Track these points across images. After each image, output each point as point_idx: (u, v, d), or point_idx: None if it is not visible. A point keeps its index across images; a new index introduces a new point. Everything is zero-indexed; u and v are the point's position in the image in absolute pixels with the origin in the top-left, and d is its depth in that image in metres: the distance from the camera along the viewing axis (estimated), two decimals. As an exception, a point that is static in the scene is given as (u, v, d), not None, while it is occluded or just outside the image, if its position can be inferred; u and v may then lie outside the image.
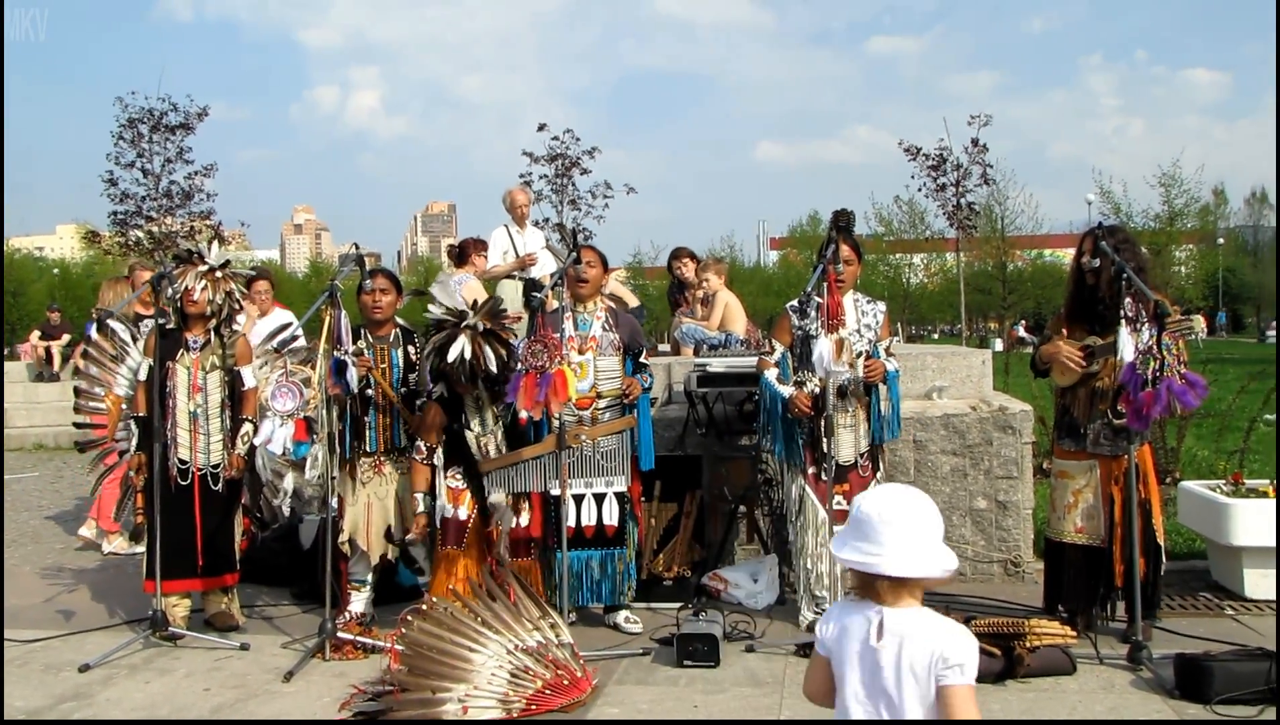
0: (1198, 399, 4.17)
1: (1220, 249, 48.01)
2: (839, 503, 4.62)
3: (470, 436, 4.70)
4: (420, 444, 4.72)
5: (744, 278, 41.64)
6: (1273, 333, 40.52)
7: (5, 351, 18.58)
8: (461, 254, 7.22)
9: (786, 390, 4.65)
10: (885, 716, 2.06)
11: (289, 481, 4.97)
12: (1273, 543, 4.85)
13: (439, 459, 4.72)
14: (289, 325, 5.80)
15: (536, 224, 9.78)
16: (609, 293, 5.74)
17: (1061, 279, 21.40)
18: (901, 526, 2.05)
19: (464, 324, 4.51)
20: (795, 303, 4.76)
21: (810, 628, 4.59)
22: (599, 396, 4.80)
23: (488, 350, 4.51)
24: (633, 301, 7.69)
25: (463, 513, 4.69)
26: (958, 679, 2.02)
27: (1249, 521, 4.92)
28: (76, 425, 5.16)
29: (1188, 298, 39.85)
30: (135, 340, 5.04)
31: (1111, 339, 4.32)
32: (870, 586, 2.10)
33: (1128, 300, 4.23)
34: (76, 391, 5.12)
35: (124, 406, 4.97)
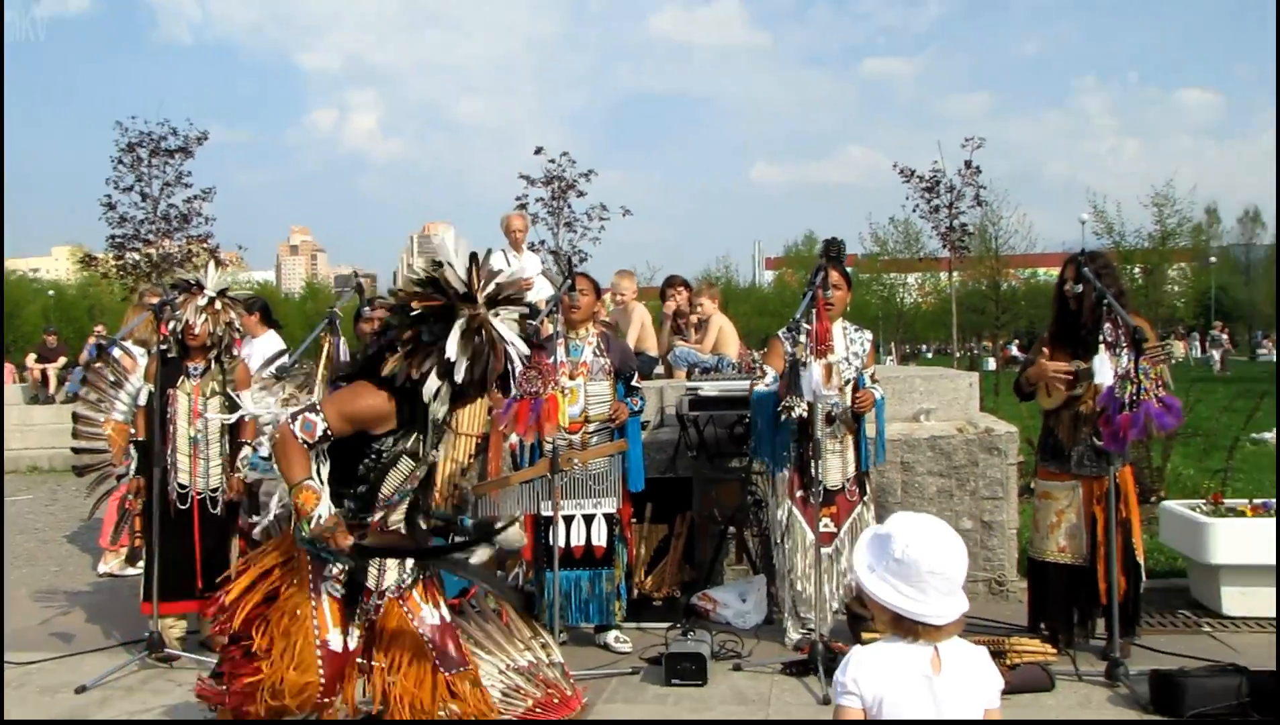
0: (1175, 421, 4.28)
1: (1212, 267, 48.25)
2: (826, 525, 4.71)
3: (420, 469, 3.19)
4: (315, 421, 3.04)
5: (739, 298, 41.87)
6: (1264, 351, 40.62)
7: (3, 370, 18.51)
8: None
9: (774, 387, 4.72)
10: None
11: (275, 502, 4.99)
12: (1251, 561, 4.95)
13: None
14: (285, 352, 5.88)
15: (533, 247, 9.87)
16: (603, 319, 5.84)
17: (1053, 299, 21.41)
18: (949, 575, 2.05)
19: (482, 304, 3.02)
20: (787, 329, 4.85)
21: (797, 647, 4.67)
22: (588, 421, 4.89)
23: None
24: (648, 336, 7.63)
25: (352, 642, 3.12)
26: (998, 701, 2.11)
27: (1227, 540, 5.01)
28: (75, 450, 5.23)
29: (1179, 317, 39.98)
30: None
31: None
32: (908, 625, 2.08)
33: (1108, 325, 4.33)
34: (75, 417, 5.19)
35: (130, 431, 5.05)
